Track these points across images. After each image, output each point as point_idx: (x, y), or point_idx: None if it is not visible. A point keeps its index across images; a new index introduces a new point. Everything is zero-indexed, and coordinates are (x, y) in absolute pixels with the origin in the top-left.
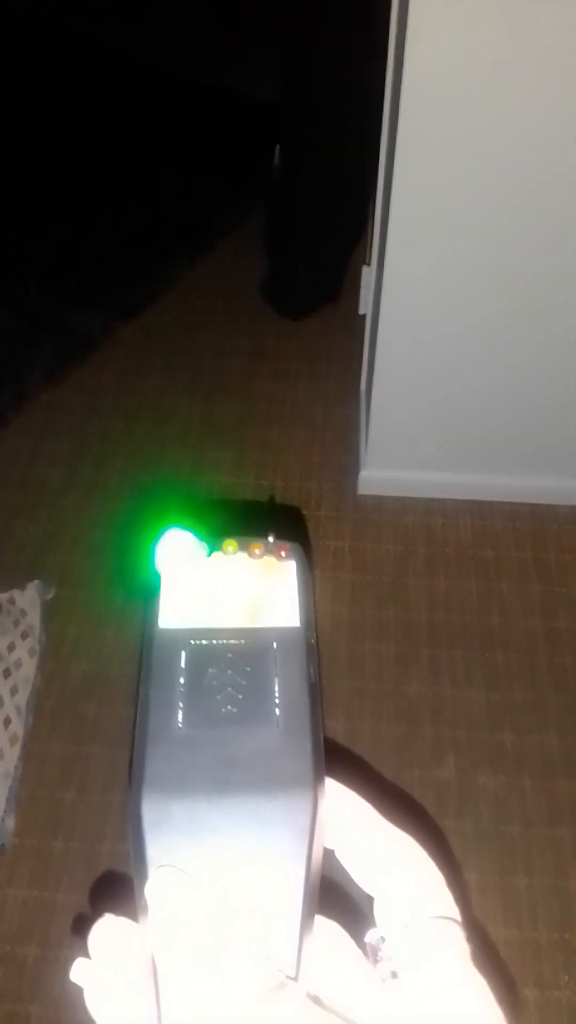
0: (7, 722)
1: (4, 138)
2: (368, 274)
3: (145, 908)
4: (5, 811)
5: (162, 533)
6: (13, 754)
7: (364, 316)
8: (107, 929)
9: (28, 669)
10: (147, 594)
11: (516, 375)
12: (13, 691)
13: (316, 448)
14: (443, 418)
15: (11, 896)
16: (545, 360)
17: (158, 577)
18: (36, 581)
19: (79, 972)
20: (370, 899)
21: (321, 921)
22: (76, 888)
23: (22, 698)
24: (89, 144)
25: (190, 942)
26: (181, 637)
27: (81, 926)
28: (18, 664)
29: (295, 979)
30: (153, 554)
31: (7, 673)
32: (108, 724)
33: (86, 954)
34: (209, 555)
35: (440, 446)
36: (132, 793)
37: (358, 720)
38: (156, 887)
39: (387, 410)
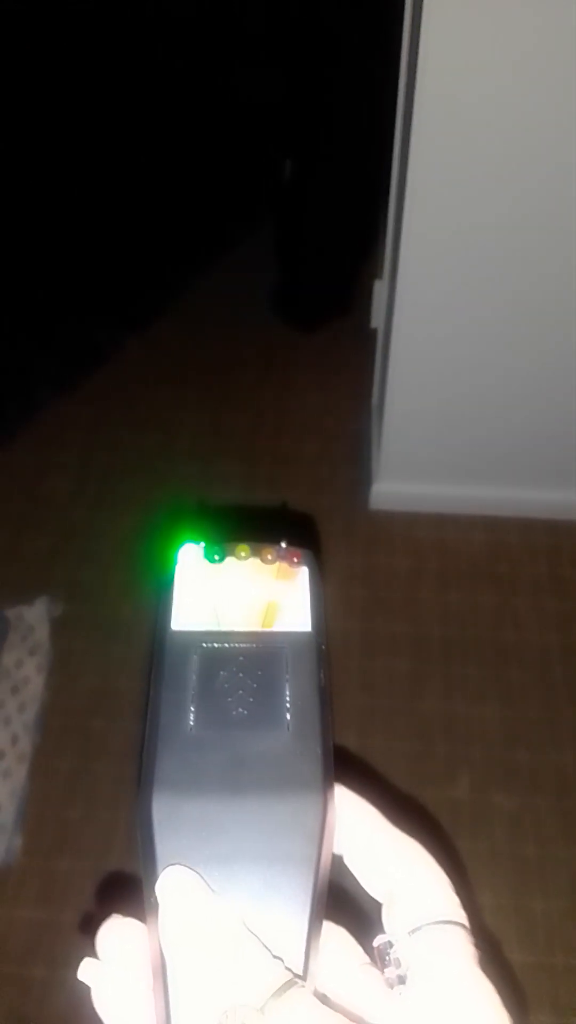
0: (15, 740)
1: (11, 150)
2: (380, 288)
3: (155, 906)
4: (13, 830)
5: (177, 549)
6: (21, 772)
7: (375, 329)
8: (115, 929)
9: (36, 686)
10: (159, 597)
11: (531, 389)
12: (21, 708)
13: (327, 461)
14: (457, 432)
15: (17, 916)
16: (560, 374)
17: (170, 581)
18: (44, 597)
19: (86, 971)
20: (378, 905)
21: (329, 927)
22: (82, 908)
23: (30, 715)
24: (98, 154)
25: (199, 940)
26: (193, 640)
27: (89, 926)
28: (26, 681)
29: (303, 978)
30: (168, 566)
31: (15, 690)
32: (115, 740)
33: (94, 953)
34: (221, 561)
35: (453, 460)
36: (142, 793)
37: (370, 737)
38: (166, 885)
39: (400, 424)
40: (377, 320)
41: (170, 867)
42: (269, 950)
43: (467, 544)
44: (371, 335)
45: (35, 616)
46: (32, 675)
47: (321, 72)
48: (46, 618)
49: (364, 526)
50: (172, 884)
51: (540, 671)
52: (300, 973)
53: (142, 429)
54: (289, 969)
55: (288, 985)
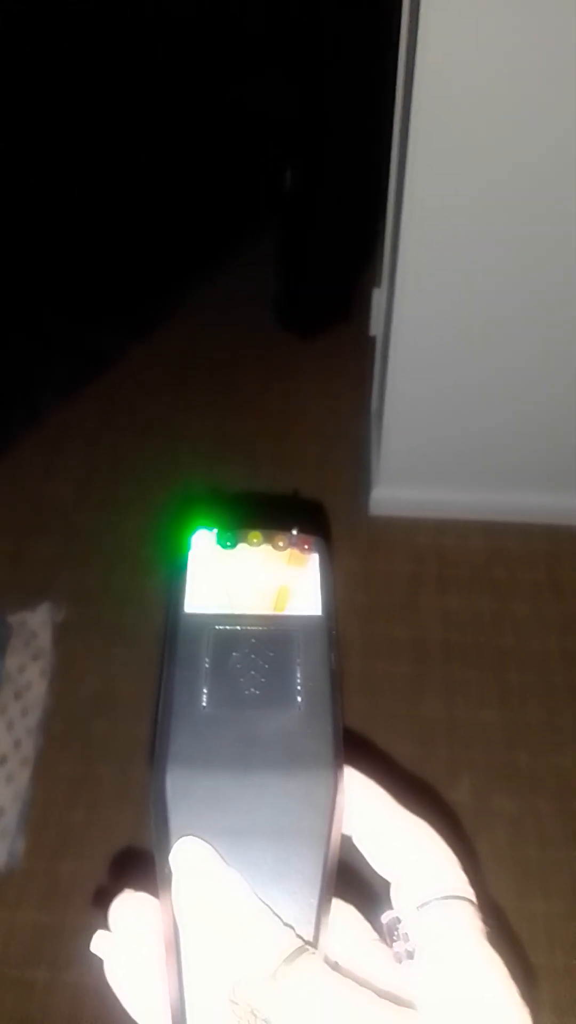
0: (18, 744)
1: (14, 156)
2: (378, 295)
3: (168, 877)
4: (16, 833)
5: (191, 535)
6: (24, 776)
7: (374, 336)
8: (127, 902)
9: (39, 691)
10: (172, 581)
11: (529, 395)
12: (24, 713)
13: (328, 466)
14: (455, 438)
15: (20, 919)
16: (558, 380)
17: (184, 565)
18: (47, 602)
19: (99, 944)
20: (386, 885)
21: (337, 904)
22: (85, 911)
23: (33, 720)
24: (101, 160)
25: (213, 908)
26: (206, 622)
27: (101, 899)
28: (29, 686)
29: (314, 946)
30: (181, 551)
31: (18, 695)
32: (118, 744)
33: (106, 926)
34: (233, 547)
35: (452, 465)
36: (156, 767)
37: (371, 740)
38: (180, 855)
39: (399, 430)
40: (376, 327)
41: (184, 838)
42: (281, 919)
43: (466, 549)
44: (370, 342)
45: (38, 621)
46: (35, 680)
47: (322, 80)
48: (49, 623)
49: (364, 531)
50: (186, 854)
51: (540, 675)
52: (311, 941)
53: (145, 434)
54: (300, 937)
55: (299, 951)
